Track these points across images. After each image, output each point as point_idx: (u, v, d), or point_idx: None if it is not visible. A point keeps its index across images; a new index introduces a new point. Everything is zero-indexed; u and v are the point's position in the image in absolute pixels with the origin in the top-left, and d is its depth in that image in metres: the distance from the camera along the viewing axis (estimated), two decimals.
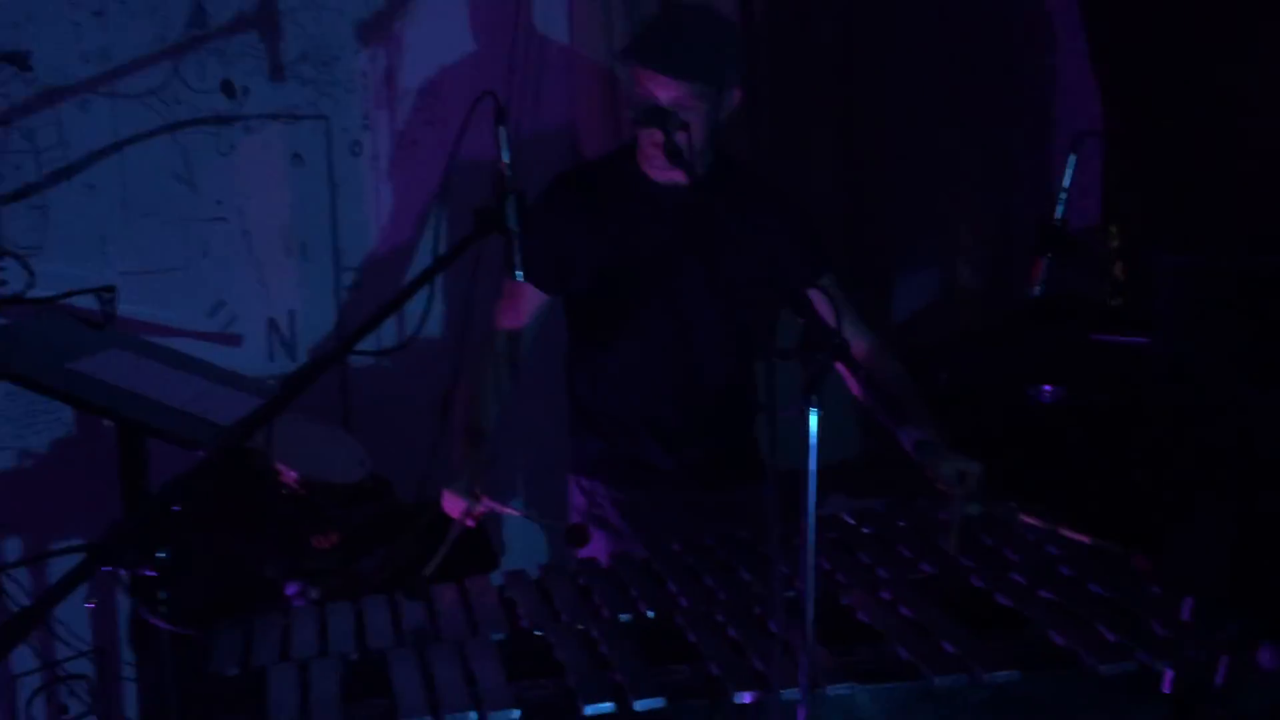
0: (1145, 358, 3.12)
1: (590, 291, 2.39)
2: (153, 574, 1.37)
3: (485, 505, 2.21)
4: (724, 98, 2.26)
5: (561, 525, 2.25)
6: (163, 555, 1.35)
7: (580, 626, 1.90)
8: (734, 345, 2.45)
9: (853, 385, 2.28)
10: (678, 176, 2.23)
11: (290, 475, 2.53)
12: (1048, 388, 3.31)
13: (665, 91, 2.19)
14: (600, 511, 2.49)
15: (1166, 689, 1.69)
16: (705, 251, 2.34)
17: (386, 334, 2.99)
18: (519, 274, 1.98)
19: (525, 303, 2.40)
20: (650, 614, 1.94)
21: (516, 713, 1.66)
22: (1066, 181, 1.96)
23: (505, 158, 1.94)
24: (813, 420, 1.54)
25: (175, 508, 1.37)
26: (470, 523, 2.21)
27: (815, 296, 2.37)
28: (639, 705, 1.67)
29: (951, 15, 3.68)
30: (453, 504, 2.23)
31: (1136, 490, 3.04)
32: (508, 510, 2.32)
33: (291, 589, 2.39)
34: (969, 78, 3.73)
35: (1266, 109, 3.35)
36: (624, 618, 1.93)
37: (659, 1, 3.04)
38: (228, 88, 2.91)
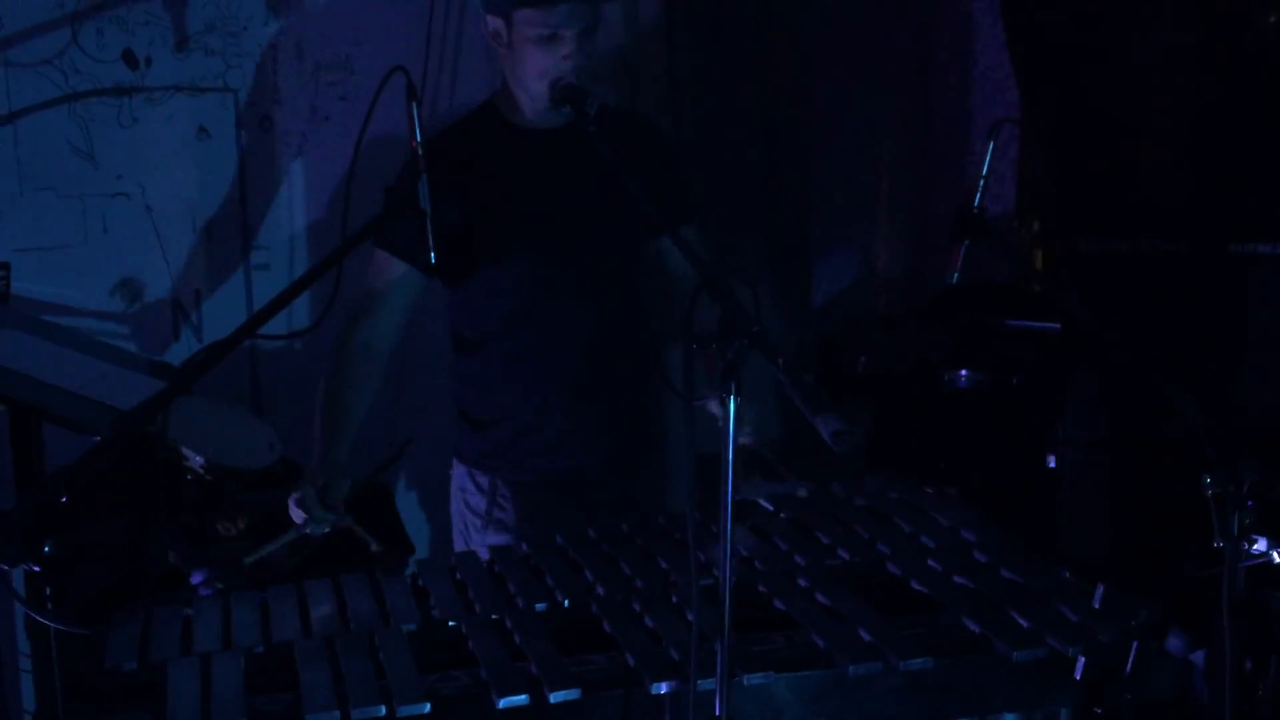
0: (1058, 342, 3.16)
1: (477, 252, 2.28)
2: (37, 569, 1.30)
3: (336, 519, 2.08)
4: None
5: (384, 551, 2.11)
6: (49, 550, 1.28)
7: (495, 616, 1.87)
8: (630, 297, 2.40)
9: None
10: (553, 120, 2.25)
11: (195, 460, 2.45)
12: (964, 372, 3.34)
13: (581, 20, 2.15)
14: (501, 513, 2.42)
15: (1078, 675, 1.71)
16: (588, 188, 2.27)
17: (298, 315, 2.91)
18: (433, 259, 1.93)
19: (398, 288, 2.26)
20: (566, 603, 1.92)
21: (427, 706, 1.63)
22: (985, 169, 1.96)
23: (418, 136, 1.89)
24: (731, 407, 1.52)
25: (63, 499, 1.30)
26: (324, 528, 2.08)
27: (668, 246, 2.36)
28: (554, 697, 1.64)
29: (871, 2, 3.68)
30: (296, 513, 2.09)
31: (1049, 474, 3.09)
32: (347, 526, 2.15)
33: (197, 577, 2.33)
34: (889, 65, 3.75)
35: (1173, 96, 3.42)
36: (539, 607, 1.90)
37: None
38: (129, 58, 2.80)
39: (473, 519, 2.45)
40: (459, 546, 2.49)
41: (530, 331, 2.35)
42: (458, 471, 2.48)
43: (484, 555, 2.33)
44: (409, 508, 3.15)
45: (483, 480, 2.42)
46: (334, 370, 2.26)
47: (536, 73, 2.20)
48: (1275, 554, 1.72)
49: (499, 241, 2.30)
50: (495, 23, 2.22)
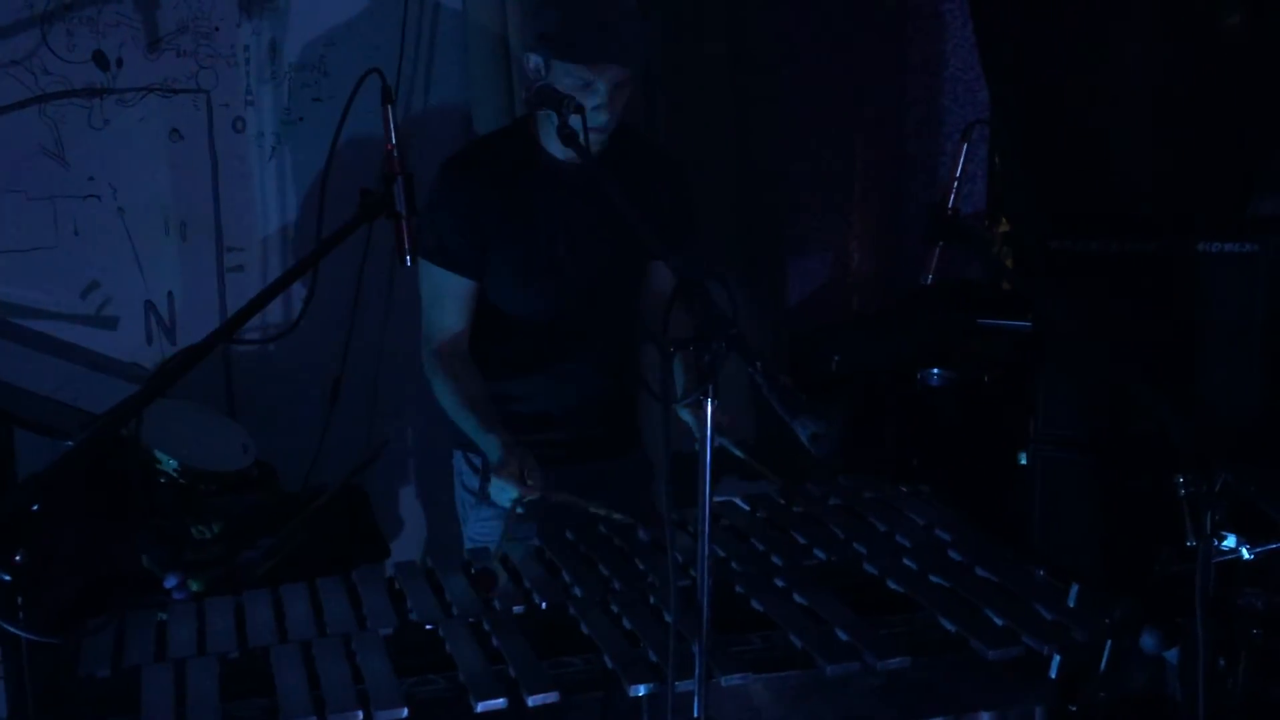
0: (1029, 341, 3.19)
1: (497, 271, 2.34)
2: (8, 579, 1.29)
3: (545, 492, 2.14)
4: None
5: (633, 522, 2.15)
6: (19, 559, 1.27)
7: (471, 620, 1.87)
8: (631, 317, 2.45)
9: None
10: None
11: (169, 463, 2.44)
12: (936, 371, 3.37)
13: (613, 79, 2.18)
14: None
15: (1053, 673, 1.73)
16: (609, 225, 2.32)
17: (272, 317, 2.90)
18: (408, 262, 1.93)
19: (462, 301, 2.32)
20: (543, 605, 1.92)
21: (405, 711, 1.62)
22: (958, 170, 1.97)
23: (393, 139, 1.88)
24: (708, 409, 1.52)
25: (35, 507, 1.29)
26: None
27: (659, 271, 2.42)
28: (532, 700, 1.64)
29: (844, 4, 3.70)
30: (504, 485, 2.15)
31: (1020, 471, 3.11)
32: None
33: (171, 581, 2.31)
34: (860, 66, 3.77)
35: (1141, 96, 3.45)
36: (517, 609, 1.90)
37: None
38: (100, 59, 2.78)
39: (468, 498, 2.48)
40: (465, 531, 2.50)
41: (533, 343, 2.39)
42: (456, 458, 2.51)
43: (480, 531, 2.38)
44: (384, 510, 3.14)
45: (476, 460, 2.44)
46: (441, 386, 2.31)
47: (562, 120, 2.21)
48: (1244, 550, 1.75)
49: (509, 259, 2.33)
50: (536, 61, 2.22)
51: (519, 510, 2.15)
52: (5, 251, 2.75)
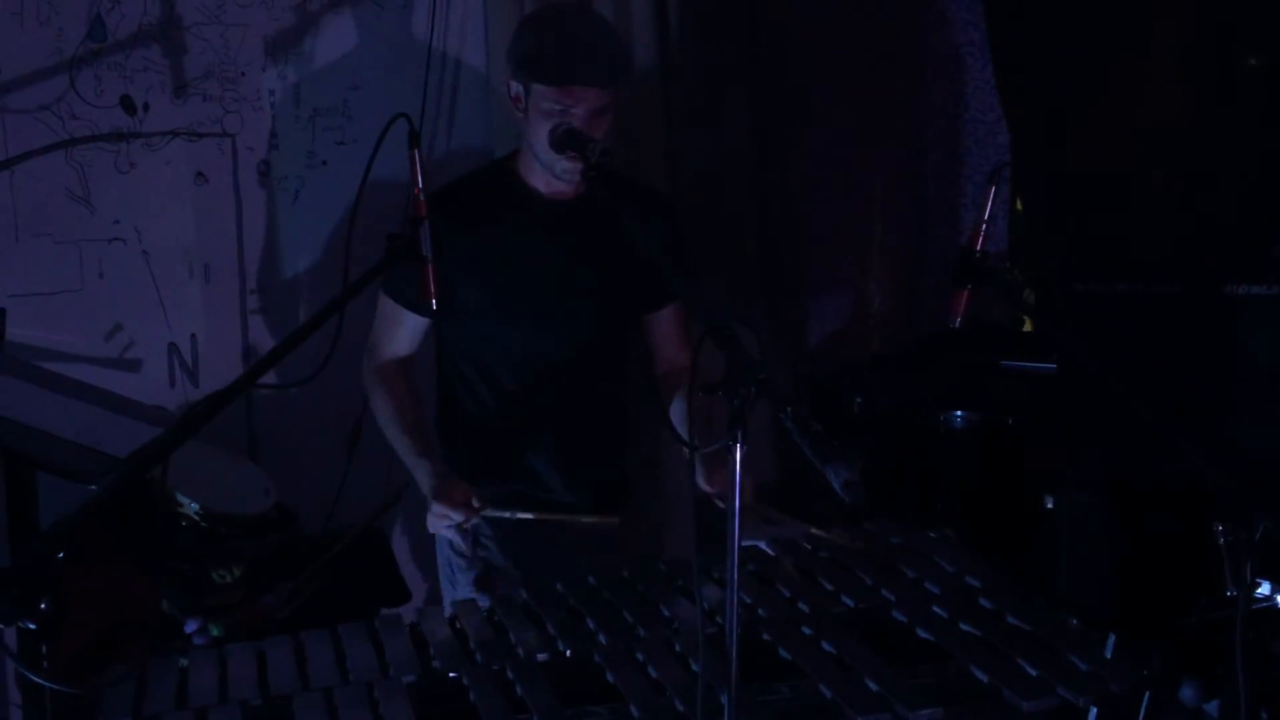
0: (1054, 383, 3.16)
1: (472, 309, 2.32)
2: (33, 627, 1.28)
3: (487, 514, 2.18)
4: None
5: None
6: (44, 606, 1.26)
7: (495, 667, 1.84)
8: (618, 362, 2.43)
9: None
10: (564, 190, 2.28)
11: (191, 506, 2.43)
12: (959, 413, 3.34)
13: (591, 103, 2.18)
14: (485, 551, 2.42)
15: None
16: (590, 263, 2.31)
17: (293, 361, 2.90)
18: (434, 305, 1.93)
19: (407, 330, 2.36)
20: (568, 653, 1.89)
21: None
22: (986, 214, 1.96)
23: (419, 183, 1.89)
24: (737, 456, 1.51)
25: (59, 554, 1.28)
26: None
27: (668, 315, 2.41)
28: None
29: (865, 45, 3.71)
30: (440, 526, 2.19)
31: (1044, 515, 3.08)
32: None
33: (191, 626, 2.29)
34: (881, 108, 3.78)
35: (1164, 138, 3.45)
36: (541, 657, 1.88)
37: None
38: (127, 104, 2.80)
39: (458, 560, 2.44)
40: (446, 595, 2.48)
41: (513, 387, 2.37)
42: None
43: (469, 593, 2.35)
44: (404, 554, 3.12)
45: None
46: (380, 401, 2.36)
47: (546, 142, 2.21)
48: (1279, 598, 1.72)
49: (487, 295, 2.32)
50: (516, 88, 2.24)
51: (461, 547, 2.16)
52: (31, 295, 2.76)
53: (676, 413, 2.30)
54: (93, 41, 2.76)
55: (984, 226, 1.94)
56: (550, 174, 2.27)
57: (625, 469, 2.54)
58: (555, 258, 2.32)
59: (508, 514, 2.24)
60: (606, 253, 2.29)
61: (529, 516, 2.24)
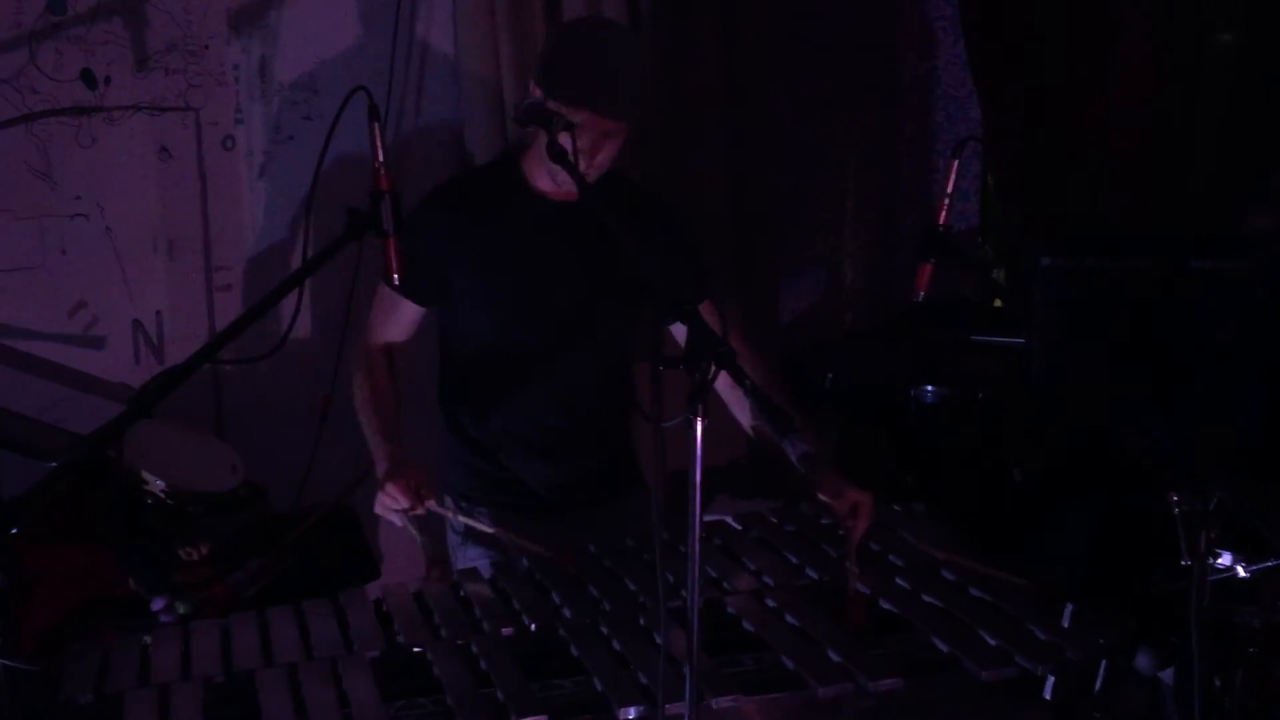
0: (1023, 357, 3.17)
1: (472, 305, 2.33)
2: None
3: (432, 507, 2.15)
4: None
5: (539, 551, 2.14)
6: (1, 584, 1.25)
7: (460, 642, 1.85)
8: (616, 359, 2.43)
9: (732, 401, 2.30)
10: (568, 189, 2.22)
11: (156, 484, 2.42)
12: (930, 388, 3.35)
13: (600, 129, 2.16)
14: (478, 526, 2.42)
15: (1047, 694, 1.71)
16: (592, 265, 2.31)
17: (261, 336, 2.88)
18: (395, 280, 1.92)
19: (402, 316, 2.35)
20: (533, 627, 1.90)
21: None
22: (949, 187, 1.96)
23: (380, 156, 1.87)
24: (698, 430, 1.51)
25: (14, 530, 1.27)
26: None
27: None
28: None
29: (836, 20, 3.70)
30: (389, 513, 2.16)
31: (1015, 489, 3.10)
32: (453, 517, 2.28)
33: (158, 604, 2.29)
34: (853, 84, 3.77)
35: (1133, 114, 3.46)
36: (506, 632, 1.88)
37: (545, 15, 2.99)
38: (88, 77, 2.77)
39: (455, 539, 2.45)
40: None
41: (513, 382, 2.37)
42: (445, 503, 2.49)
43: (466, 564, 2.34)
44: (374, 531, 3.11)
45: (463, 503, 2.42)
46: (359, 383, 2.35)
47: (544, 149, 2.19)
48: (1240, 568, 1.73)
49: (488, 291, 2.31)
50: (537, 92, 2.21)
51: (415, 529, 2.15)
52: None
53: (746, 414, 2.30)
54: (53, 14, 2.72)
55: (947, 200, 1.94)
56: (553, 178, 2.27)
57: (631, 460, 2.52)
58: (558, 256, 2.32)
59: (480, 525, 2.24)
60: (611, 253, 2.27)
61: (492, 531, 2.23)
